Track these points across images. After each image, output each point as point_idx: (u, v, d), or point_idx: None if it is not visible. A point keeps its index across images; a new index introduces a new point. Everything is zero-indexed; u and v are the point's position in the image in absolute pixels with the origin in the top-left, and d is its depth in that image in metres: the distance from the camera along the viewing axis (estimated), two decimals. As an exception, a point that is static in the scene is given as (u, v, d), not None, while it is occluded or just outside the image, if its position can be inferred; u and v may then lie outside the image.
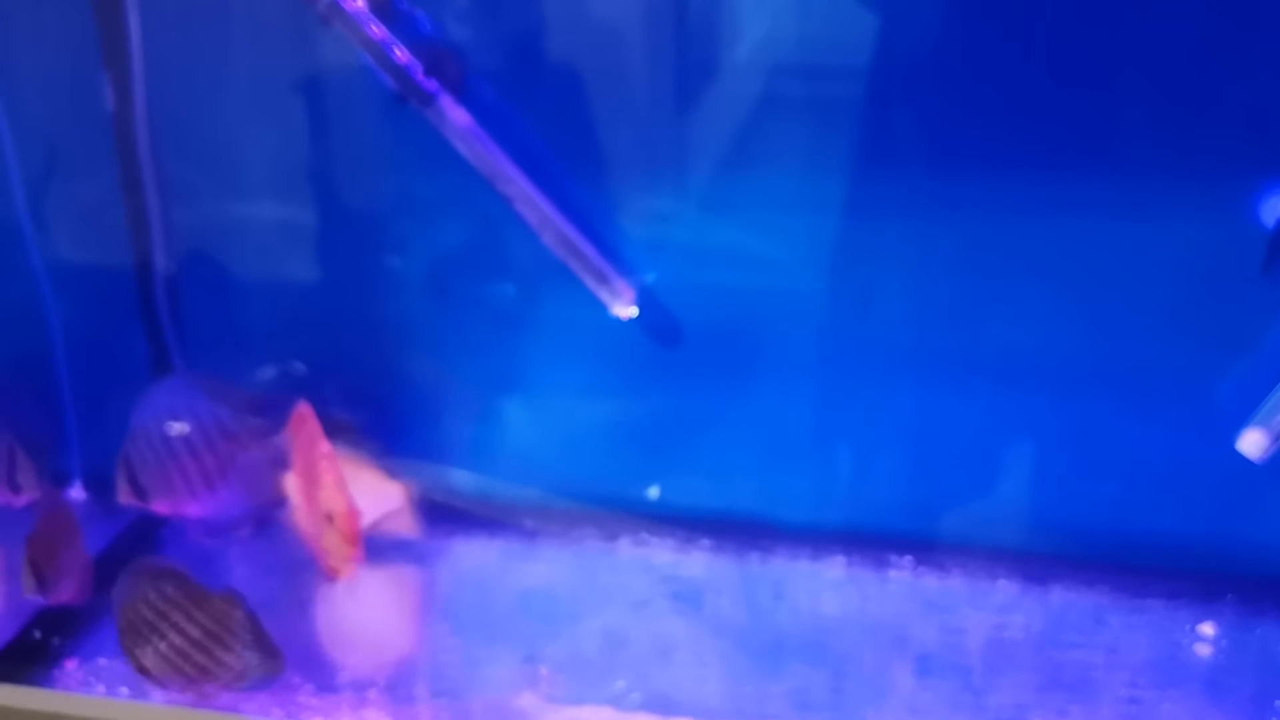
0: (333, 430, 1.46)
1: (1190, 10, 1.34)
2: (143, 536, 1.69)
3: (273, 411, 1.53)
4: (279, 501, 1.52)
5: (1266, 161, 1.38)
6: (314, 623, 1.53)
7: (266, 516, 1.57)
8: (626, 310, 1.56)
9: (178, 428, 1.49)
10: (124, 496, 1.50)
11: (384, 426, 1.68)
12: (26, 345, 1.75)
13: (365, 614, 1.56)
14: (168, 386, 1.54)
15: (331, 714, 1.39)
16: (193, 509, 1.52)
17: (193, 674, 1.35)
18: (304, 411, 1.45)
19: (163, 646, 1.35)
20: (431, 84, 1.49)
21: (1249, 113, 1.37)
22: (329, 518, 1.43)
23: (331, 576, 1.47)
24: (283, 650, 1.38)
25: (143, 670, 1.36)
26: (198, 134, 1.63)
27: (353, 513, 1.43)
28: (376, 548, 1.55)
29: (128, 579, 1.40)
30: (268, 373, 1.70)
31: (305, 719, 1.37)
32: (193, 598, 1.36)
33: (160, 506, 1.51)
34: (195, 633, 1.35)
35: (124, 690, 1.43)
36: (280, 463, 1.52)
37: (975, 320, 1.53)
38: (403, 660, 1.49)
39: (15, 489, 1.55)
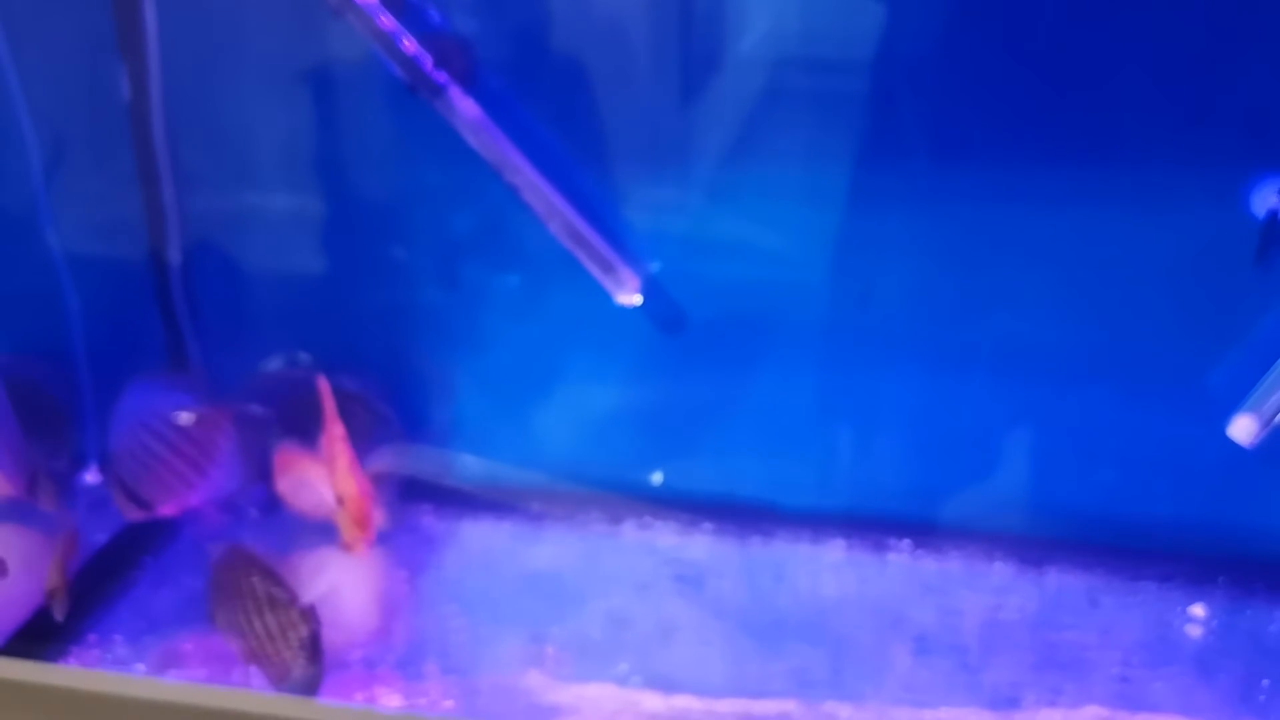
0: (343, 402, 1.49)
1: (1189, 4, 1.36)
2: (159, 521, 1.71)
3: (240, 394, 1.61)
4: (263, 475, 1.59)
5: (1259, 154, 1.40)
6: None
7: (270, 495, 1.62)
8: (631, 298, 1.58)
9: (185, 417, 1.53)
10: (130, 514, 1.54)
11: (394, 410, 1.71)
12: (44, 331, 1.77)
13: (362, 592, 1.59)
14: (128, 400, 1.56)
15: (343, 690, 1.41)
16: (193, 498, 1.56)
17: (255, 647, 1.39)
18: (323, 388, 1.48)
19: (238, 618, 1.40)
20: (441, 75, 1.51)
21: (1244, 106, 1.39)
22: (339, 500, 1.46)
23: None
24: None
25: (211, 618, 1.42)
26: (212, 124, 1.65)
27: (363, 496, 1.46)
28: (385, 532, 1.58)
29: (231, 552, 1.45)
30: (274, 363, 1.72)
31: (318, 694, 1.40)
32: (271, 599, 1.40)
33: (166, 510, 1.56)
34: (259, 628, 1.39)
35: (140, 667, 1.46)
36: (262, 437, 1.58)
37: (974, 309, 1.55)
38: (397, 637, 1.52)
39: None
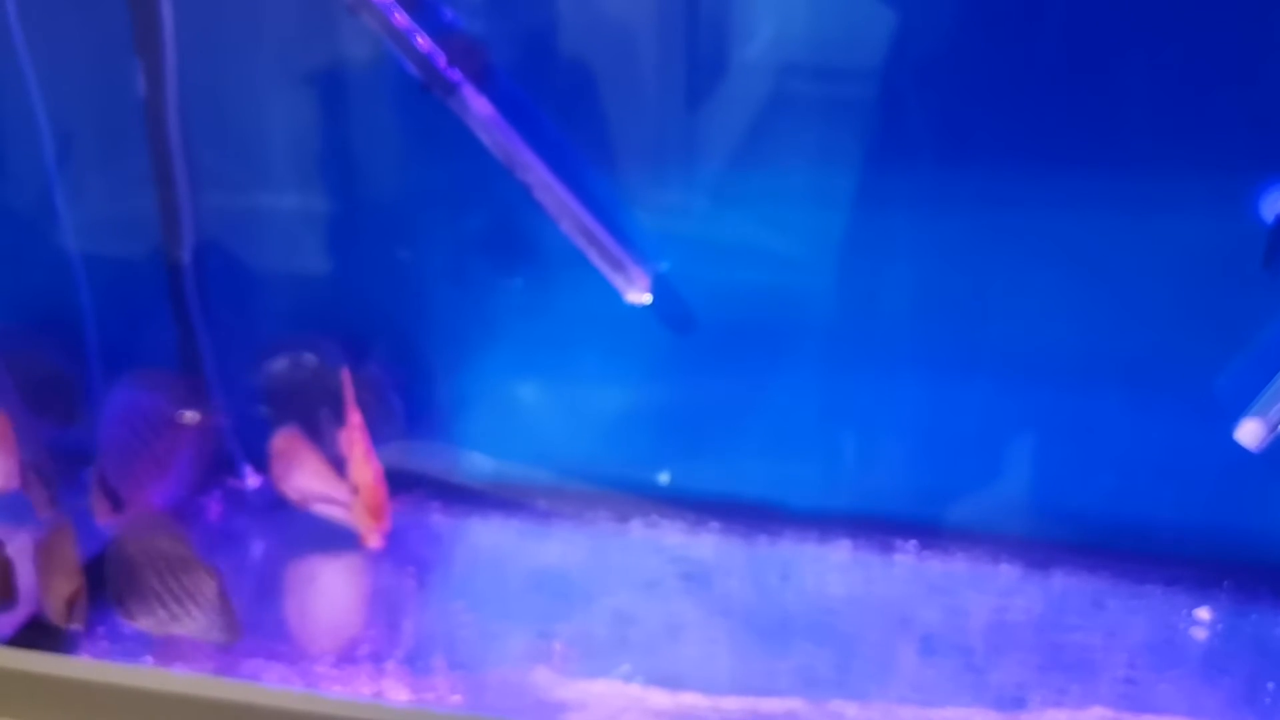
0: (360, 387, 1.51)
1: (1194, 7, 1.36)
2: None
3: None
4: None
5: (1266, 157, 1.41)
6: (326, 598, 1.58)
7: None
8: (641, 297, 1.59)
9: (189, 416, 1.56)
10: (103, 516, 1.56)
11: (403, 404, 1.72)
12: (58, 327, 1.78)
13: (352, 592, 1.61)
14: (118, 402, 1.61)
15: (350, 684, 1.42)
16: (155, 495, 1.60)
17: (163, 618, 1.42)
18: (344, 378, 1.49)
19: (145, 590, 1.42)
20: (454, 74, 1.52)
21: (1252, 110, 1.39)
22: (354, 489, 1.47)
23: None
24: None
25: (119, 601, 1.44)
26: (227, 121, 1.66)
27: (377, 486, 1.47)
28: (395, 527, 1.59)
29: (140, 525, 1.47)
30: (279, 364, 1.73)
31: (325, 689, 1.41)
32: (181, 560, 1.42)
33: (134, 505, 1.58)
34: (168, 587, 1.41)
35: (148, 659, 1.47)
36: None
37: (980, 312, 1.56)
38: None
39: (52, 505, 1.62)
